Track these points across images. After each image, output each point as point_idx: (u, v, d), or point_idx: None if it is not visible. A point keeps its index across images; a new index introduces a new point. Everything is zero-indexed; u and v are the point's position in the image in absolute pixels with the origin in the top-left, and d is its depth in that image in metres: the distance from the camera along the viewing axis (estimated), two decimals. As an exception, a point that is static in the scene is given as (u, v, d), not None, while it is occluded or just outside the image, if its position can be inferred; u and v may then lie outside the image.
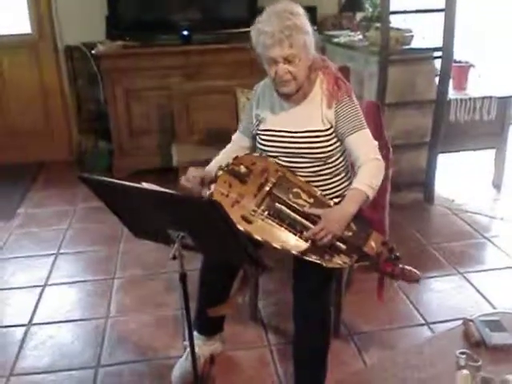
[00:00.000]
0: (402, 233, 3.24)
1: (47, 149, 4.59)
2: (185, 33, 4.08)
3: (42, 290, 2.79)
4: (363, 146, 1.92)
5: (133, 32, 4.10)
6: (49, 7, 4.26)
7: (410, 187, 3.68)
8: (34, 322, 2.54)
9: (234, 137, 2.17)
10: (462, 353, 1.41)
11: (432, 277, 2.80)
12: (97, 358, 2.28)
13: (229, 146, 2.15)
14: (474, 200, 3.68)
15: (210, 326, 2.13)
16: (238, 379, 2.16)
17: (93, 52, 4.05)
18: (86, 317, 2.57)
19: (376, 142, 1.97)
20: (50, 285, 2.85)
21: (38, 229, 3.47)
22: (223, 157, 2.09)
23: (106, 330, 2.46)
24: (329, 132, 1.95)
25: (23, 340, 2.41)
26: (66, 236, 3.37)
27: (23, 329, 2.49)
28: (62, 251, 3.19)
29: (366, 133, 1.95)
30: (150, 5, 4.05)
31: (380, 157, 1.94)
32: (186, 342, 1.95)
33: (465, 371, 1.29)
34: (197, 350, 2.02)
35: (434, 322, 2.43)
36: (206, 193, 1.96)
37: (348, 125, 1.92)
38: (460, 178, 4.06)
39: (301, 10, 1.87)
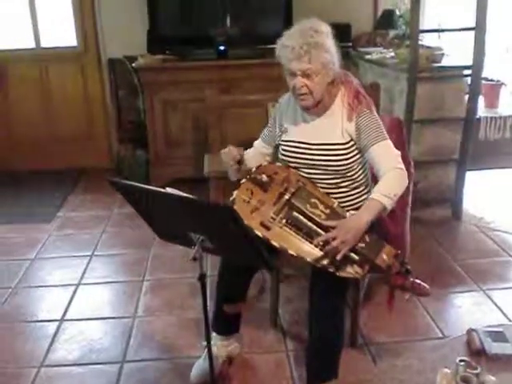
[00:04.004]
0: (428, 248, 3.26)
1: (88, 156, 4.80)
2: (221, 48, 4.22)
3: (76, 289, 2.94)
4: (385, 156, 1.96)
5: (172, 46, 4.27)
6: (94, 22, 4.50)
7: (438, 203, 3.70)
8: (67, 317, 2.69)
9: (255, 143, 2.27)
10: (462, 360, 1.45)
11: (453, 292, 2.82)
12: (123, 354, 2.40)
13: (250, 150, 2.26)
14: (503, 218, 3.66)
15: (227, 326, 2.22)
16: (253, 380, 2.23)
17: (134, 65, 4.22)
18: (115, 315, 2.70)
19: (398, 152, 1.99)
20: (84, 284, 3.00)
21: (76, 231, 3.65)
22: (247, 157, 2.19)
23: (133, 329, 2.58)
24: (348, 145, 2.00)
25: (55, 334, 2.56)
26: (100, 239, 3.53)
27: (56, 324, 2.63)
28: (96, 253, 3.34)
29: (388, 143, 1.98)
30: (189, 20, 4.22)
31: (402, 166, 1.95)
32: (205, 342, 2.04)
33: (446, 369, 1.34)
34: (215, 350, 2.12)
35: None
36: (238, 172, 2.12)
37: (369, 136, 1.96)
38: (489, 195, 4.04)
39: (326, 29, 1.94)
